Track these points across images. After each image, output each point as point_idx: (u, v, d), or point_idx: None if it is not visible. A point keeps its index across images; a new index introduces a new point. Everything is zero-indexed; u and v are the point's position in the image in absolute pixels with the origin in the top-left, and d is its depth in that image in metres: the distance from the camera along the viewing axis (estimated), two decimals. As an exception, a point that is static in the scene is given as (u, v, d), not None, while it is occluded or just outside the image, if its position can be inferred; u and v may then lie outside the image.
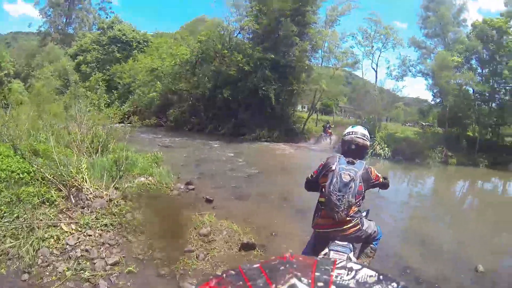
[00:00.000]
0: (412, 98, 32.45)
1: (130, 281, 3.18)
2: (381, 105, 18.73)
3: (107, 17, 37.14)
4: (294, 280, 0.41)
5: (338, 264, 0.47)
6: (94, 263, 3.29)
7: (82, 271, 3.12)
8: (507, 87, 19.41)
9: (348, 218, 2.72)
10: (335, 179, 2.70)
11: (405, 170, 15.00)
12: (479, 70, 20.14)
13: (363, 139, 2.90)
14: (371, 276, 0.44)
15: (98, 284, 3.02)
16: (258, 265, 0.48)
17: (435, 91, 21.08)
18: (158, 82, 20.60)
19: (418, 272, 4.23)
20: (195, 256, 3.86)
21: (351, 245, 2.76)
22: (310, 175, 3.03)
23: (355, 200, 2.70)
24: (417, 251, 5.17)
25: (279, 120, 18.15)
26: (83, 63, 28.91)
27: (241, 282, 0.43)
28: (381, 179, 2.92)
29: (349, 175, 2.69)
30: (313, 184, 3.01)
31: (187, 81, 18.79)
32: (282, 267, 0.46)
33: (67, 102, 12.59)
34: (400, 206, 8.60)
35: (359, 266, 0.46)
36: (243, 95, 17.56)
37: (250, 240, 4.39)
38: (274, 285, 0.41)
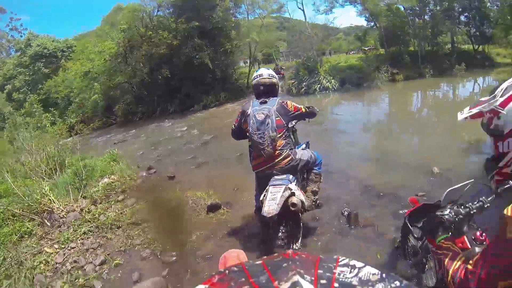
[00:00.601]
0: (351, 26, 33.26)
1: (120, 271, 3.52)
2: (316, 40, 19.11)
3: (21, 36, 34.53)
4: (297, 277, 0.41)
5: (340, 261, 0.47)
6: (85, 269, 3.58)
7: (77, 280, 3.39)
8: None
9: (277, 152, 3.01)
10: (251, 121, 3.01)
11: (355, 96, 15.61)
12: None
13: (269, 77, 3.17)
14: (374, 274, 0.44)
15: (93, 285, 3.32)
16: (260, 261, 0.48)
17: (366, 15, 21.70)
18: (95, 83, 19.96)
19: (378, 187, 4.50)
20: (169, 232, 4.23)
21: (290, 176, 3.02)
22: (233, 125, 3.32)
23: (277, 134, 2.97)
24: (375, 168, 5.49)
25: (222, 82, 18.22)
26: (13, 91, 27.08)
27: (243, 279, 0.43)
28: (302, 109, 3.17)
29: (263, 113, 2.97)
30: (238, 132, 3.31)
31: (123, 73, 18.27)
32: (285, 264, 0.46)
33: (9, 136, 12.16)
34: (356, 129, 9.15)
35: (362, 264, 0.46)
36: (180, 70, 17.38)
37: (214, 201, 4.70)
38: (276, 282, 0.41)
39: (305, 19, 20.11)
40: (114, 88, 18.85)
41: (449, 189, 1.83)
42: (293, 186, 2.91)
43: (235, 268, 0.47)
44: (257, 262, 0.48)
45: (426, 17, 20.80)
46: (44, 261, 3.71)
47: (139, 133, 14.42)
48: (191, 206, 4.83)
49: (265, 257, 0.51)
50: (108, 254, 3.81)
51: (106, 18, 23.61)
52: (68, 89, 22.12)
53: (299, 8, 20.01)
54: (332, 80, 17.76)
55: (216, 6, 17.69)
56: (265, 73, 3.22)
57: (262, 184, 3.13)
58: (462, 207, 1.47)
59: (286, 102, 3.12)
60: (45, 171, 6.38)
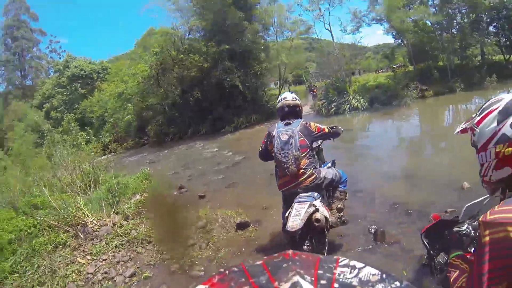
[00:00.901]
0: (379, 45, 32.98)
1: (148, 284, 3.65)
2: (344, 61, 19.15)
3: (60, 58, 36.64)
4: (297, 278, 0.41)
5: (340, 262, 0.46)
6: (115, 280, 3.74)
7: None
8: (462, 10, 19.82)
9: (301, 171, 3.12)
10: (276, 141, 3.17)
11: (385, 115, 15.36)
12: (431, 2, 20.34)
13: (293, 100, 3.37)
14: (374, 274, 0.43)
15: None
16: (261, 262, 0.48)
17: (394, 33, 21.54)
18: (128, 104, 20.78)
19: (406, 205, 4.46)
20: (198, 248, 4.31)
21: (315, 194, 3.11)
22: (260, 147, 3.50)
23: (301, 153, 3.10)
24: (404, 185, 5.45)
25: (252, 104, 18.46)
26: (51, 110, 28.65)
27: (243, 279, 0.43)
28: (326, 130, 3.31)
29: (287, 134, 3.12)
30: (264, 153, 3.47)
31: (155, 94, 18.93)
32: (285, 265, 0.46)
33: (47, 152, 12.80)
34: (385, 147, 9.05)
35: (362, 264, 0.45)
36: (211, 92, 17.77)
37: (243, 219, 4.78)
38: (277, 282, 0.41)
39: (333, 39, 20.26)
40: (146, 109, 19.47)
41: (467, 205, 1.93)
42: (317, 203, 3.01)
43: (235, 269, 0.47)
44: (257, 263, 0.48)
45: (453, 30, 20.39)
46: (76, 271, 3.85)
47: (170, 153, 14.76)
48: (221, 224, 4.92)
49: (265, 257, 0.50)
50: (138, 267, 3.92)
51: (139, 42, 24.69)
52: (103, 109, 23.13)
53: (326, 29, 20.20)
54: (361, 100, 17.55)
55: (245, 29, 18.12)
56: (289, 96, 3.44)
57: (288, 202, 3.23)
58: None
59: (310, 124, 3.27)
60: (80, 186, 6.63)
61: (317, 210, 2.94)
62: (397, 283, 0.42)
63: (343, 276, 0.43)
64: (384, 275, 0.44)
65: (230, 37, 18.03)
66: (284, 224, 3.14)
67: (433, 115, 14.41)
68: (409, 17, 19.56)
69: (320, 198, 3.18)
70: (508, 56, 20.93)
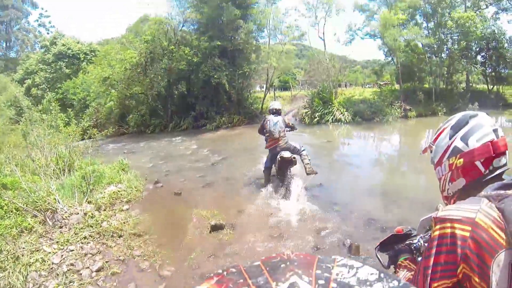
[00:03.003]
0: (368, 60, 33.62)
1: (116, 281, 3.52)
2: (333, 71, 19.26)
3: (48, 33, 35.56)
4: (295, 278, 0.41)
5: (338, 261, 0.46)
6: (81, 274, 3.59)
7: (71, 283, 3.40)
8: (454, 37, 20.38)
9: (280, 138, 6.06)
10: (270, 122, 6.09)
11: (366, 130, 15.71)
12: (425, 24, 20.95)
13: (277, 106, 6.50)
14: (372, 274, 0.43)
15: None
16: (258, 262, 0.48)
17: (385, 50, 21.87)
18: (112, 90, 20.28)
19: (381, 222, 4.64)
20: (170, 247, 4.24)
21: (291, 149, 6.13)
22: (260, 126, 6.50)
23: (282, 129, 6.08)
24: (380, 202, 5.63)
25: (236, 105, 18.37)
26: (32, 86, 27.68)
27: (241, 280, 0.43)
28: (290, 124, 6.45)
29: (275, 119, 6.10)
30: (261, 130, 6.41)
31: (141, 83, 18.50)
32: (283, 265, 0.46)
33: (24, 130, 12.35)
34: (363, 163, 9.31)
35: (360, 264, 0.45)
36: (197, 87, 17.60)
37: (218, 221, 4.79)
38: (275, 283, 0.41)
39: (325, 48, 20.34)
40: (130, 97, 19.09)
41: (422, 218, 1.95)
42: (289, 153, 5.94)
43: (233, 270, 0.47)
44: (255, 263, 0.48)
45: (443, 55, 20.90)
46: (40, 260, 3.70)
47: (150, 145, 14.49)
48: (195, 224, 4.89)
49: (263, 258, 0.50)
50: (106, 262, 3.80)
51: (131, 27, 24.08)
52: (86, 92, 22.47)
53: (320, 38, 20.28)
54: (345, 112, 17.84)
55: (240, 28, 17.97)
56: (276, 104, 6.58)
57: (272, 156, 6.22)
58: None
59: (284, 118, 6.34)
60: (54, 170, 6.43)
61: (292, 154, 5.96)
62: (395, 282, 0.42)
63: (341, 276, 0.43)
64: (382, 275, 0.43)
65: (224, 33, 17.89)
66: (266, 167, 6.45)
67: (413, 136, 14.74)
68: (402, 36, 19.88)
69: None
70: (492, 86, 21.55)
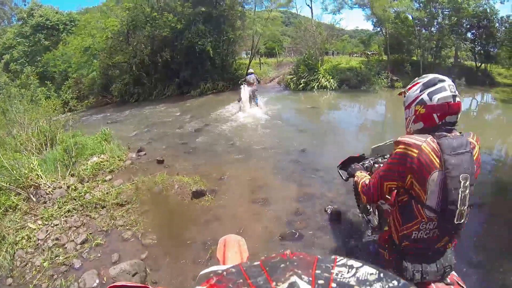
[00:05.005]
0: (357, 29, 33.20)
1: (100, 251, 3.54)
2: (320, 39, 19.04)
3: (25, 5, 33.90)
4: (294, 278, 0.41)
5: (338, 261, 0.46)
6: (66, 247, 3.61)
7: (57, 257, 3.41)
8: (445, 12, 20.16)
9: (252, 85, 11.77)
10: (252, 78, 11.90)
11: (351, 98, 15.79)
12: None
13: (254, 77, 12.10)
14: (371, 273, 0.43)
15: (73, 263, 3.34)
16: (258, 262, 0.48)
17: (374, 20, 21.59)
18: (94, 60, 19.69)
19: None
20: (152, 215, 4.26)
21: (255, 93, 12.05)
22: (244, 83, 11.84)
23: (255, 83, 11.96)
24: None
25: (221, 71, 18.18)
26: (11, 62, 26.46)
27: (241, 280, 0.43)
28: (255, 85, 12.04)
29: (254, 79, 12.02)
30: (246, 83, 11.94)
31: (123, 52, 18.01)
32: (283, 265, 0.46)
33: (2, 106, 11.98)
34: (350, 129, 9.48)
35: (360, 264, 0.45)
36: (181, 54, 17.23)
37: (199, 188, 4.80)
38: (274, 283, 0.41)
39: (312, 16, 19.99)
40: (113, 66, 18.59)
41: (373, 146, 2.88)
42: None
43: (233, 270, 0.47)
44: (255, 263, 0.48)
45: (433, 29, 20.71)
46: (26, 237, 3.73)
47: (133, 114, 14.32)
48: (177, 191, 4.89)
49: (263, 257, 0.50)
50: (90, 234, 3.83)
51: (111, -5, 23.12)
52: (67, 63, 21.72)
53: (307, 5, 19.92)
54: (331, 80, 17.85)
55: (224, -6, 17.49)
56: (253, 75, 11.98)
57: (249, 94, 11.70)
58: (381, 158, 2.40)
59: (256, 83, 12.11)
60: (35, 145, 6.38)
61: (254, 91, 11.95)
62: (395, 282, 0.42)
63: (341, 276, 0.43)
64: (381, 274, 0.43)
65: (208, -1, 17.35)
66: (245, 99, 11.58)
67: (398, 105, 14.76)
68: (392, 7, 19.60)
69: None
70: (480, 64, 21.67)
